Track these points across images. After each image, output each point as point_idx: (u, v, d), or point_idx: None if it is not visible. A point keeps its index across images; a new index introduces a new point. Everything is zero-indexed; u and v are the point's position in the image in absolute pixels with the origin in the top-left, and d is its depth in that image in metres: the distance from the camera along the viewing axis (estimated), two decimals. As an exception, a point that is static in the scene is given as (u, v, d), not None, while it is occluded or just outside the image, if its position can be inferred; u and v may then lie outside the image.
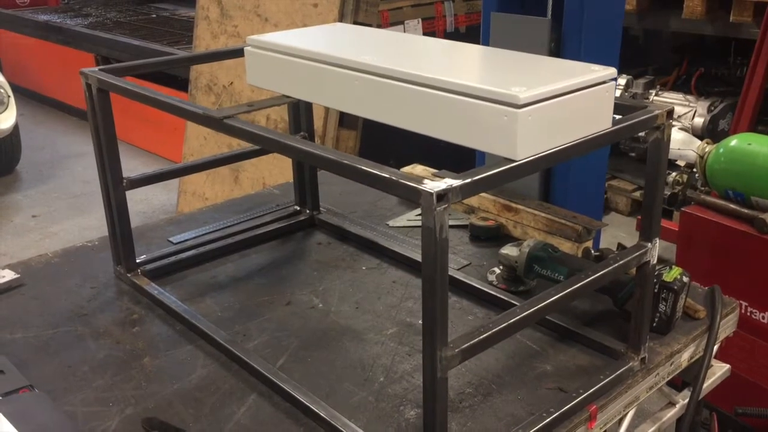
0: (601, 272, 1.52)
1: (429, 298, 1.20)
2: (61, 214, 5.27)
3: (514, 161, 1.26)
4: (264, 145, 1.54)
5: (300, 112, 2.31)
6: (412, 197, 1.18)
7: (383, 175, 1.23)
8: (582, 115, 1.37)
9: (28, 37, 7.67)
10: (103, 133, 1.95)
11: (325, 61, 1.59)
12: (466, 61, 1.62)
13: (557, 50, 2.31)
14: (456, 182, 1.16)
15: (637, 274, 1.62)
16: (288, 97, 1.76)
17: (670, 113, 1.48)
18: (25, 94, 7.77)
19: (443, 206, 1.14)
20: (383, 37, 1.90)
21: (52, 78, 7.50)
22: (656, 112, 1.46)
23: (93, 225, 4.91)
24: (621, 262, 1.55)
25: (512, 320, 1.34)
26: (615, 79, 1.42)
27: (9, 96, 5.69)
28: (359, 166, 1.27)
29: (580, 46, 2.26)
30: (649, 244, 1.57)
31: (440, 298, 1.19)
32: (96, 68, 1.93)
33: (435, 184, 1.15)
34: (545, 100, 1.29)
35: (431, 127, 1.40)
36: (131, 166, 5.82)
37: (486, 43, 2.44)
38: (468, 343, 1.27)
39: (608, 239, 4.26)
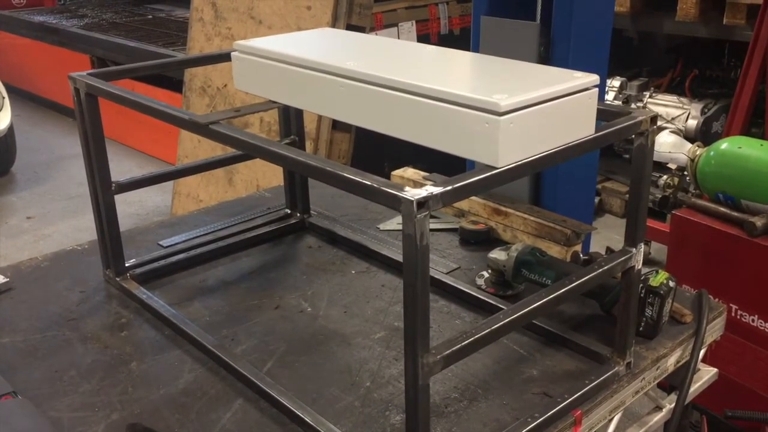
0: (586, 277, 1.52)
1: (410, 304, 1.20)
2: (55, 216, 5.27)
3: (495, 168, 1.26)
4: (248, 152, 1.55)
5: (290, 116, 2.31)
6: (393, 204, 1.18)
7: (365, 182, 1.23)
8: (564, 121, 1.37)
9: (24, 38, 7.66)
10: (91, 137, 1.95)
11: (311, 67, 1.59)
12: (449, 67, 1.62)
13: (546, 54, 2.31)
14: (436, 189, 1.16)
15: (622, 279, 1.63)
16: (275, 102, 1.76)
17: (654, 119, 1.49)
18: (20, 95, 7.76)
19: (423, 213, 1.14)
20: (370, 43, 1.90)
21: (48, 79, 7.49)
22: (640, 118, 1.46)
23: (88, 227, 4.89)
24: (606, 267, 1.55)
25: (495, 326, 1.34)
26: (598, 86, 1.42)
27: (4, 97, 5.69)
28: (341, 173, 1.27)
29: (569, 50, 2.26)
30: (634, 250, 1.58)
31: (421, 304, 1.19)
32: (84, 72, 1.93)
33: (415, 191, 1.15)
34: (527, 107, 1.29)
35: (414, 133, 1.40)
36: (126, 167, 5.84)
37: (476, 46, 2.45)
38: (450, 350, 1.28)
39: (602, 241, 4.26)
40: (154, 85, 5.59)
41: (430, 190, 1.16)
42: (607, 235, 4.53)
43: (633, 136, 1.50)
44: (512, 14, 2.36)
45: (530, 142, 1.31)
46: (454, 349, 1.28)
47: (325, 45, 1.86)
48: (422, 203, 1.14)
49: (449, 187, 1.18)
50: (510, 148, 1.27)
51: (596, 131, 1.44)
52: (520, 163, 1.29)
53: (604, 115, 1.50)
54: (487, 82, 1.48)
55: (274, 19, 4.12)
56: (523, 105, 1.28)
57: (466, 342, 1.29)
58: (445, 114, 1.33)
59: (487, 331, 1.33)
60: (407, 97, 1.39)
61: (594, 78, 1.41)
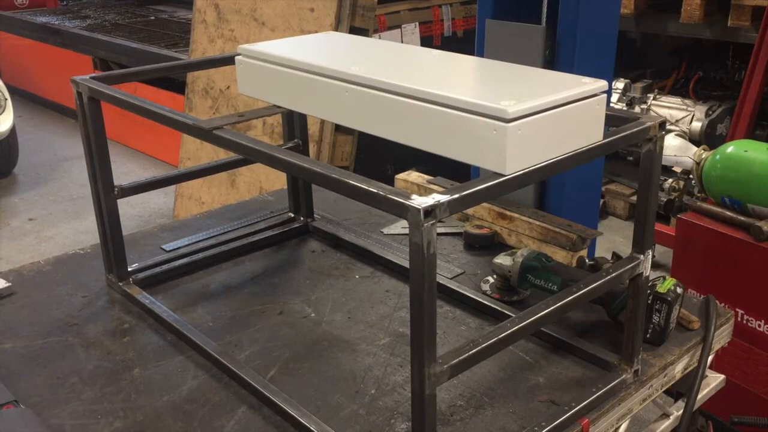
0: (594, 285, 1.51)
1: (417, 313, 1.19)
2: (57, 218, 5.26)
3: (503, 175, 1.25)
4: (253, 157, 1.53)
5: (294, 120, 2.30)
6: (399, 212, 1.17)
7: (371, 189, 1.21)
8: (573, 128, 1.35)
9: (27, 39, 7.66)
10: (94, 141, 1.94)
11: (316, 72, 1.58)
12: (456, 73, 1.61)
13: (552, 57, 2.29)
14: (444, 198, 1.15)
15: (629, 286, 1.61)
16: (279, 107, 1.75)
17: (662, 125, 1.47)
18: (22, 96, 7.76)
19: (431, 222, 1.13)
20: (375, 47, 1.88)
21: (50, 80, 7.49)
22: (648, 123, 1.45)
23: (90, 228, 4.89)
24: (614, 275, 1.53)
25: (502, 335, 1.32)
26: (606, 92, 1.40)
27: (6, 98, 5.68)
28: (347, 180, 1.26)
29: (574, 53, 2.24)
30: (642, 256, 1.56)
31: (428, 313, 1.18)
32: (87, 76, 1.91)
33: (422, 199, 1.14)
34: (535, 113, 1.28)
35: (421, 139, 1.39)
36: (128, 168, 5.83)
37: (481, 49, 2.43)
38: (457, 359, 1.26)
39: (606, 244, 4.25)
40: (156, 87, 5.58)
41: (437, 198, 1.14)
42: (610, 237, 4.52)
43: (641, 142, 1.48)
44: (517, 17, 2.34)
45: (538, 148, 1.30)
46: (461, 358, 1.26)
47: (329, 49, 1.84)
48: (429, 211, 1.12)
49: (456, 195, 1.17)
50: (518, 155, 1.26)
51: (604, 137, 1.42)
52: (528, 170, 1.27)
53: (612, 120, 1.49)
54: (494, 88, 1.46)
55: (276, 21, 4.10)
56: (531, 111, 1.27)
57: (473, 351, 1.28)
58: (452, 120, 1.31)
59: (494, 339, 1.31)
60: (413, 103, 1.38)
61: (602, 84, 1.39)
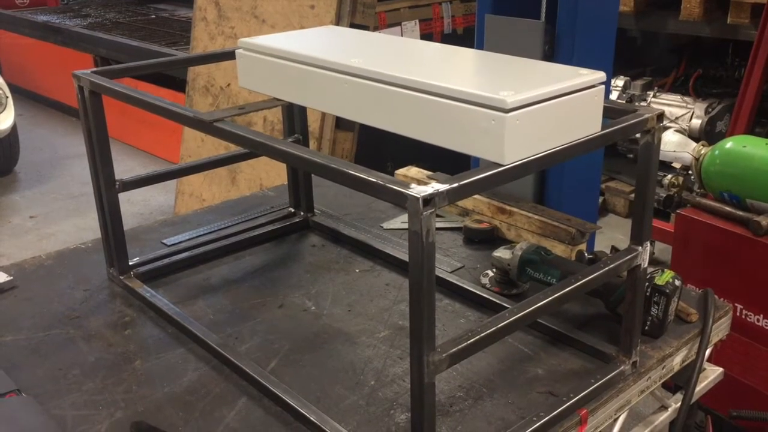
0: (592, 276, 1.51)
1: (416, 302, 1.20)
2: (59, 215, 5.27)
3: (501, 165, 1.26)
4: (253, 149, 1.54)
5: (294, 115, 2.31)
6: (398, 202, 1.18)
7: (370, 179, 1.22)
8: (570, 119, 1.36)
9: (27, 38, 7.67)
10: (95, 135, 1.95)
11: (315, 65, 1.59)
12: (455, 64, 1.62)
13: (551, 52, 2.30)
14: (442, 186, 1.16)
15: (628, 278, 1.62)
16: (279, 100, 1.76)
17: (660, 117, 1.48)
18: (23, 95, 7.77)
19: (429, 210, 1.14)
20: (374, 40, 1.89)
21: (51, 79, 7.50)
22: (646, 115, 1.45)
23: (91, 226, 4.90)
24: (611, 266, 1.54)
25: (500, 324, 1.33)
26: (604, 83, 1.41)
27: (7, 96, 5.69)
28: (347, 171, 1.27)
29: (573, 49, 2.25)
30: (640, 248, 1.57)
31: (427, 302, 1.19)
32: (88, 71, 1.92)
33: (421, 188, 1.15)
34: (533, 104, 1.28)
35: (420, 130, 1.39)
36: (129, 166, 5.84)
37: (480, 44, 2.44)
38: (456, 348, 1.27)
39: (606, 241, 4.26)
40: (157, 85, 5.60)
41: (436, 187, 1.15)
42: (610, 234, 4.53)
43: (639, 134, 1.49)
44: (516, 12, 2.35)
45: (536, 139, 1.30)
46: (459, 347, 1.27)
47: (329, 42, 1.85)
48: (428, 200, 1.13)
49: (455, 184, 1.18)
50: (516, 145, 1.27)
51: (602, 129, 1.43)
52: (526, 160, 1.28)
53: (610, 112, 1.50)
54: (493, 79, 1.47)
55: (277, 18, 4.11)
56: (529, 102, 1.28)
57: (472, 340, 1.29)
58: (451, 111, 1.32)
59: (492, 329, 1.32)
60: (413, 95, 1.38)
61: (600, 75, 1.40)
